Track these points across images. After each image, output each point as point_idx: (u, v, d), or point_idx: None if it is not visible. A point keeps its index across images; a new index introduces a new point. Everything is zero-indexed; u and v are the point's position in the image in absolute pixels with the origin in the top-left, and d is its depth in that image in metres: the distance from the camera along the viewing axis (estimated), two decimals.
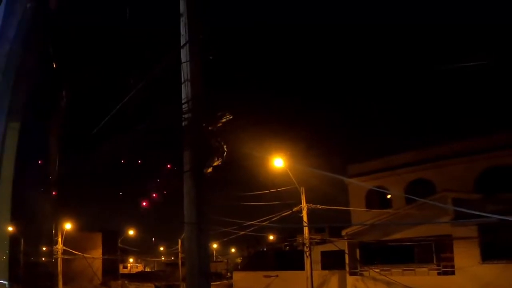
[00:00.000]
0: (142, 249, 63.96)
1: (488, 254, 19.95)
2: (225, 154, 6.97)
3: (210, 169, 6.94)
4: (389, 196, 26.53)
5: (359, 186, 27.13)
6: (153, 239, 72.37)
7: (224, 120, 7.11)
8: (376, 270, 23.36)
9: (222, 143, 7.13)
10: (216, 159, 6.92)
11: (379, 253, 24.71)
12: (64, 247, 35.04)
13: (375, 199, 27.09)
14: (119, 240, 52.54)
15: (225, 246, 63.34)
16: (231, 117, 7.11)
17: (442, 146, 24.96)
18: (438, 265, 22.14)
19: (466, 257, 20.44)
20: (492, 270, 19.35)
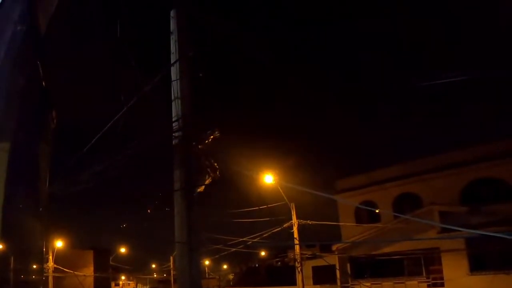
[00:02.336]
0: (134, 266, 63.26)
1: (476, 266, 20.19)
2: (217, 172, 7.03)
3: (202, 188, 7.00)
4: (377, 211, 26.71)
5: (348, 200, 27.36)
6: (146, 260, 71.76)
7: (213, 137, 7.19)
8: (367, 284, 23.43)
9: (212, 161, 7.21)
10: (207, 178, 6.97)
11: (370, 267, 24.84)
12: (55, 265, 34.64)
13: (364, 213, 27.27)
14: (110, 258, 51.95)
15: (217, 262, 62.89)
16: (220, 135, 7.20)
17: (427, 160, 25.25)
18: (428, 278, 22.32)
19: (454, 269, 20.65)
20: (481, 281, 19.56)
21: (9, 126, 5.58)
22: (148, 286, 70.53)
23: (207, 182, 7.05)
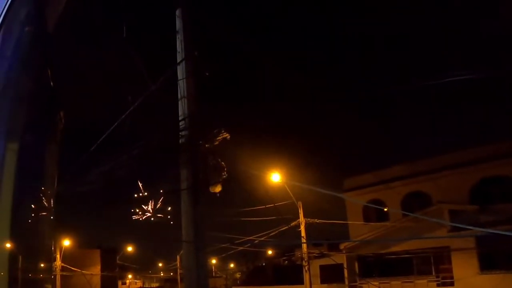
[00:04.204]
0: (141, 265, 63.49)
1: (486, 264, 20.04)
2: (224, 172, 6.99)
3: (217, 188, 6.96)
4: (386, 209, 26.59)
5: (356, 199, 27.26)
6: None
7: (220, 137, 7.16)
8: (375, 283, 23.32)
9: (220, 160, 7.18)
10: (215, 177, 6.94)
11: (378, 266, 24.74)
12: (62, 264, 34.86)
13: (372, 212, 27.15)
14: (117, 257, 52.19)
15: (224, 261, 62.92)
16: (227, 134, 7.17)
17: (437, 158, 25.08)
18: (437, 277, 22.20)
19: (464, 267, 20.51)
20: (491, 280, 19.41)
21: (17, 126, 5.58)
22: (156, 284, 70.87)
23: (217, 189, 7.01)
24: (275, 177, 17.60)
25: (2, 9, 4.33)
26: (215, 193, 7.11)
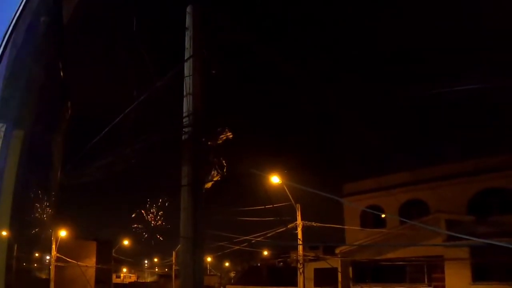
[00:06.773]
0: (137, 260, 63.52)
1: (479, 275, 20.12)
2: (224, 170, 7.07)
3: (209, 185, 7.05)
4: (383, 215, 26.66)
5: (355, 204, 27.34)
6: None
7: (224, 136, 7.23)
8: None
9: (221, 158, 7.25)
10: (214, 174, 7.02)
11: (372, 272, 24.81)
12: (57, 255, 34.84)
13: (370, 217, 27.20)
14: (113, 250, 52.14)
15: (219, 260, 63.03)
16: (230, 134, 7.24)
17: (437, 168, 25.16)
18: (430, 285, 22.26)
19: (457, 277, 20.59)
20: None
21: (24, 115, 5.65)
22: (154, 277, 71.08)
23: (215, 178, 7.10)
24: (275, 178, 17.66)
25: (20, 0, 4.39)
26: (210, 189, 7.19)
